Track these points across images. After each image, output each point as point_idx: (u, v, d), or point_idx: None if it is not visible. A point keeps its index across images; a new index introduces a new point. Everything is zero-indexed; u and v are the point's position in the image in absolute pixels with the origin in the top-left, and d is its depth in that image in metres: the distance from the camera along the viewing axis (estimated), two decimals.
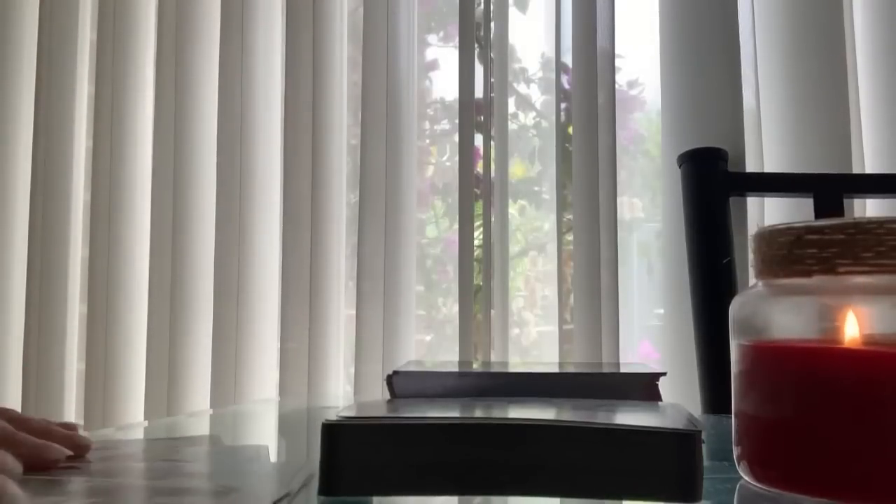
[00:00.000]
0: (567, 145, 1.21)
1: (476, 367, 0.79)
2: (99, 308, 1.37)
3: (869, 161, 1.11)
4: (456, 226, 1.23)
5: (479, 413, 0.41)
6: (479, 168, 1.23)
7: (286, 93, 1.31)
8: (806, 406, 0.35)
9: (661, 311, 1.20)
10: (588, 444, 0.35)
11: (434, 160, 1.41)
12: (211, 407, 1.29)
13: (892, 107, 1.12)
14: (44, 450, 0.41)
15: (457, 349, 1.19)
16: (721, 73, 1.12)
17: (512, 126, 1.29)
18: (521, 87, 1.34)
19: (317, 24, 1.30)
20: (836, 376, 0.35)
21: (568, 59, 1.21)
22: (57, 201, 1.41)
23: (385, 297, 1.24)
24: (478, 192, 1.23)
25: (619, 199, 1.17)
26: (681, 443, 0.35)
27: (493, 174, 1.24)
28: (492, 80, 1.25)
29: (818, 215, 0.94)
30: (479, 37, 1.26)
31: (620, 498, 0.36)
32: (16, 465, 0.38)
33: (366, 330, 1.24)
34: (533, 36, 1.33)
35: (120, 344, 1.36)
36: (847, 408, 0.34)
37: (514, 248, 1.28)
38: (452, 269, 1.30)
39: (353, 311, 1.25)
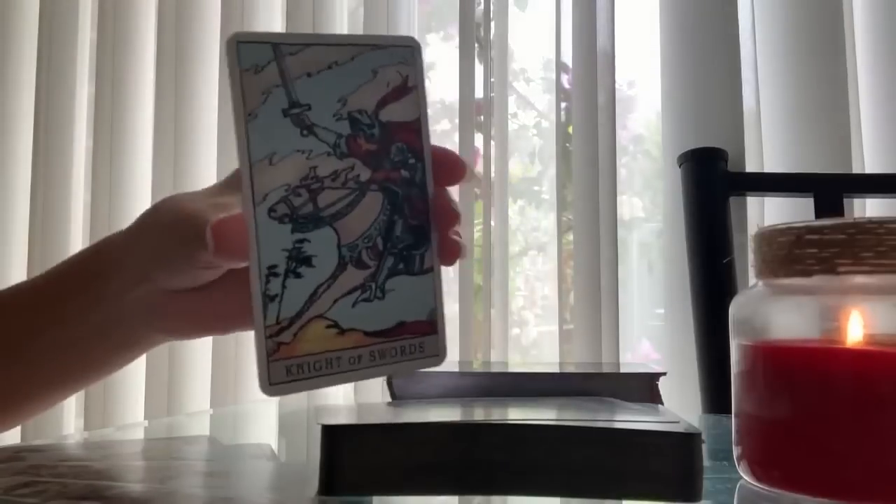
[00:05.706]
0: (567, 145, 1.21)
1: (476, 367, 0.79)
2: None
3: (869, 161, 1.11)
4: None
5: (478, 414, 0.41)
6: (479, 168, 1.23)
7: None
8: (806, 406, 0.35)
9: (661, 310, 1.20)
10: (588, 444, 0.35)
11: None
12: (211, 407, 1.28)
13: (892, 107, 1.12)
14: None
15: (457, 349, 1.19)
16: (721, 73, 1.12)
17: (512, 126, 1.29)
18: (521, 87, 1.34)
19: (317, 24, 1.30)
20: (836, 376, 0.35)
21: (568, 59, 1.21)
22: (57, 201, 1.40)
23: None
24: (478, 192, 1.23)
25: (619, 199, 1.16)
26: (681, 443, 0.35)
27: (493, 174, 1.23)
28: (492, 80, 1.25)
29: (818, 215, 0.94)
30: (479, 37, 1.26)
31: (620, 498, 0.36)
32: None
33: None
34: (533, 36, 1.33)
35: None
36: (847, 408, 0.34)
37: (513, 248, 1.28)
38: (452, 269, 1.30)
39: None
